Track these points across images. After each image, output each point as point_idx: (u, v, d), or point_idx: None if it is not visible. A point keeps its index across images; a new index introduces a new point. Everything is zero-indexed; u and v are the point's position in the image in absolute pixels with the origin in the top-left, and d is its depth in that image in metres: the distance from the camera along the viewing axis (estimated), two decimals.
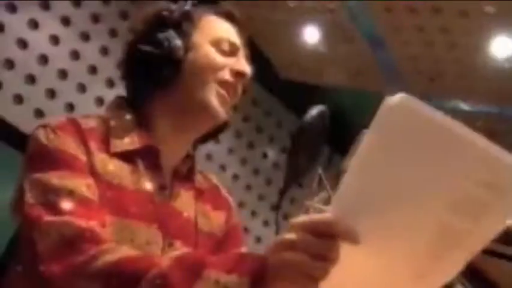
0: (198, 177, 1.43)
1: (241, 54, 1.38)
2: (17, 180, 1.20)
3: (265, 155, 3.91)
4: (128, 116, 1.33)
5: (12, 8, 2.75)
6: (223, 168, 3.61)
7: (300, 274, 0.88)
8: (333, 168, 1.33)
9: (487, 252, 4.07)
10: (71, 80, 2.99)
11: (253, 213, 3.70)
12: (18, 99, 2.81)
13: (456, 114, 2.57)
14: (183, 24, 1.34)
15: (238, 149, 3.78)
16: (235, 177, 3.71)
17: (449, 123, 0.81)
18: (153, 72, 1.31)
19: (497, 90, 2.96)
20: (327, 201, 1.28)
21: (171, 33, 1.32)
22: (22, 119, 2.81)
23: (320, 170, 1.33)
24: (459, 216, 0.84)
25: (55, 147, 1.20)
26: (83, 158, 1.21)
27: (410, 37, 2.90)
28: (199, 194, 1.41)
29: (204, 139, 1.43)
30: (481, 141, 0.80)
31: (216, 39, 1.36)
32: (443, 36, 2.81)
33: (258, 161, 3.88)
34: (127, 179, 1.26)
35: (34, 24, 2.83)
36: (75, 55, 3.00)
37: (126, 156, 1.28)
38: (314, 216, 0.93)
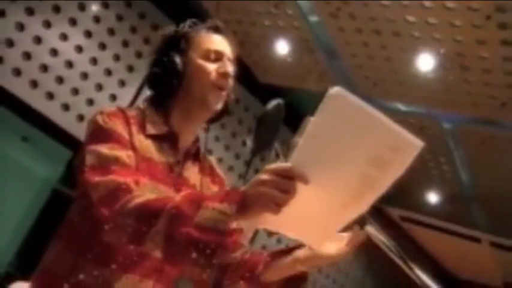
0: (202, 157, 1.63)
1: (226, 58, 1.56)
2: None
3: (244, 143, 4.21)
4: (156, 110, 1.55)
5: (47, 24, 3.17)
6: (210, 152, 3.86)
7: (269, 201, 1.08)
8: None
9: (423, 225, 4.60)
10: (91, 80, 3.37)
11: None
12: (50, 96, 3.20)
13: (393, 112, 3.28)
14: (181, 44, 1.56)
15: (223, 138, 4.09)
16: (220, 160, 4.02)
17: (370, 109, 1.02)
18: (165, 84, 1.54)
19: (424, 94, 3.28)
20: None
21: (173, 54, 1.54)
22: (53, 112, 3.23)
23: (277, 145, 1.43)
24: (373, 168, 1.06)
25: (108, 128, 1.40)
26: (127, 136, 1.42)
27: (357, 51, 3.23)
28: (202, 169, 1.62)
29: (211, 121, 1.62)
30: (388, 122, 1.03)
31: (204, 51, 1.55)
32: (383, 52, 3.14)
33: (238, 148, 4.21)
34: (155, 154, 1.47)
35: (64, 37, 3.24)
36: (94, 61, 3.38)
37: (156, 138, 1.49)
38: (279, 164, 1.12)
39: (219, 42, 1.58)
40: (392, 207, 5.09)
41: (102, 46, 3.43)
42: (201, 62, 1.55)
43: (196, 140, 1.62)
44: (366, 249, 4.68)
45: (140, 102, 1.60)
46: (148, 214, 1.17)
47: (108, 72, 3.47)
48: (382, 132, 1.04)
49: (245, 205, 1.11)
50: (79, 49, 3.34)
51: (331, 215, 1.15)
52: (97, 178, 1.29)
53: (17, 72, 3.10)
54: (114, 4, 3.47)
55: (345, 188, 1.11)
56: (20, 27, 3.10)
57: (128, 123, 1.45)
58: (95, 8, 3.38)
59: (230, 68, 1.55)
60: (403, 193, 4.72)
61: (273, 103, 1.44)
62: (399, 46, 3.08)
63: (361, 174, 1.08)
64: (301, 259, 1.40)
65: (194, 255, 1.11)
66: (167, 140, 1.52)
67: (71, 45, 3.30)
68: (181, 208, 1.14)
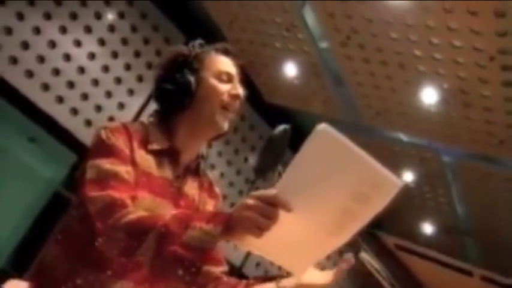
0: (202, 173, 1.65)
1: (236, 80, 1.59)
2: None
3: (246, 160, 4.23)
4: (160, 125, 1.57)
5: (63, 30, 3.25)
6: (213, 167, 3.99)
7: (252, 225, 1.12)
8: None
9: (416, 254, 4.65)
10: (101, 87, 3.44)
11: (233, 204, 4.00)
12: (60, 99, 3.27)
13: (394, 142, 3.33)
14: (194, 64, 1.57)
15: (226, 153, 4.14)
16: (222, 175, 4.08)
17: (354, 147, 1.08)
18: (175, 100, 1.56)
19: (426, 127, 3.32)
20: None
21: (185, 72, 1.55)
22: (61, 116, 3.29)
23: (280, 168, 1.45)
24: (355, 202, 1.11)
25: (110, 144, 1.43)
26: (128, 152, 1.44)
27: (363, 80, 3.29)
28: (201, 184, 1.64)
29: (215, 138, 1.63)
30: (370, 160, 1.08)
31: (216, 72, 1.57)
32: (388, 82, 3.20)
33: (240, 164, 4.26)
34: (156, 169, 1.49)
35: (78, 43, 3.31)
36: (106, 69, 3.45)
37: (157, 153, 1.51)
38: (264, 191, 1.14)
39: (229, 64, 1.61)
40: (388, 235, 5.13)
41: (115, 55, 3.51)
42: (214, 82, 1.57)
43: (198, 156, 1.64)
44: (357, 276, 4.71)
45: (144, 117, 1.62)
46: (139, 230, 1.22)
47: (118, 81, 3.54)
48: (364, 169, 1.10)
49: (230, 227, 1.15)
50: (92, 56, 3.42)
51: (314, 243, 1.19)
52: (95, 193, 1.33)
53: (30, 74, 3.17)
54: (130, 15, 3.55)
55: (327, 219, 1.15)
56: (37, 30, 3.17)
57: (130, 138, 1.47)
58: (110, 17, 3.46)
59: (241, 90, 1.58)
60: (399, 222, 4.78)
61: (280, 128, 1.48)
62: (404, 78, 3.15)
63: (344, 207, 1.12)
64: None
65: (180, 272, 1.16)
66: (168, 155, 1.54)
67: (84, 51, 3.38)
68: (170, 227, 1.19)
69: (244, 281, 1.56)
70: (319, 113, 3.80)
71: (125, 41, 3.55)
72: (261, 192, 1.15)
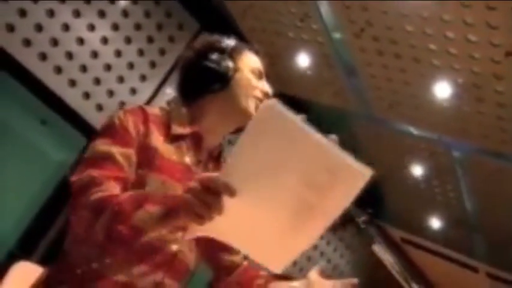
0: (223, 160, 1.64)
1: (264, 78, 1.63)
2: None
3: None
4: (183, 110, 1.58)
5: (77, 13, 3.24)
6: None
7: (190, 211, 1.08)
8: None
9: (423, 248, 4.64)
10: (113, 72, 3.43)
11: None
12: (72, 83, 3.27)
13: (405, 135, 3.32)
14: (233, 53, 1.60)
15: None
16: None
17: (305, 126, 0.97)
18: (208, 82, 1.56)
19: (437, 121, 3.31)
20: None
21: (225, 56, 1.58)
22: (73, 99, 3.29)
23: None
24: (310, 191, 1.00)
25: (118, 124, 1.43)
26: (133, 134, 1.42)
27: (376, 72, 3.27)
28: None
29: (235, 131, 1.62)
30: (328, 143, 0.98)
31: (252, 67, 1.61)
32: (402, 75, 3.18)
33: None
34: (176, 154, 1.49)
35: (91, 27, 3.30)
36: (118, 53, 3.44)
37: (178, 138, 1.51)
38: (206, 174, 1.12)
39: (260, 63, 1.65)
40: (395, 228, 5.13)
41: (128, 40, 3.50)
42: (251, 75, 1.60)
43: (221, 143, 1.65)
44: (369, 273, 4.70)
45: (156, 103, 1.63)
46: (98, 208, 1.23)
47: (131, 66, 3.54)
48: (318, 153, 0.98)
49: (172, 211, 1.13)
50: (105, 40, 3.41)
51: (281, 237, 1.08)
52: (83, 172, 1.34)
53: (43, 56, 3.17)
54: (143, 0, 3.53)
55: (284, 210, 1.05)
56: (51, 13, 3.17)
57: (145, 121, 1.46)
58: (124, 2, 3.45)
59: (270, 89, 1.61)
60: (406, 215, 4.77)
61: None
62: (418, 72, 3.12)
63: (300, 197, 1.02)
64: None
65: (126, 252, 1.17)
66: (191, 140, 1.54)
67: (97, 36, 3.37)
68: (123, 206, 1.20)
69: (263, 274, 1.56)
70: (331, 104, 3.79)
71: (138, 26, 3.54)
72: (204, 174, 1.11)
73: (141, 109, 1.49)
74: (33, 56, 3.13)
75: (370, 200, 4.07)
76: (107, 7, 3.40)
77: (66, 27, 3.24)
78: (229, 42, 1.63)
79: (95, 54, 3.37)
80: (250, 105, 1.56)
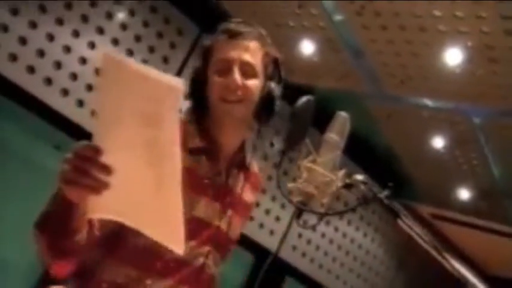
0: (248, 165, 1.62)
1: (236, 64, 1.49)
2: None
3: (272, 144, 4.15)
4: (197, 122, 1.56)
5: (76, 34, 3.24)
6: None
7: (66, 180, 1.05)
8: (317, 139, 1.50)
9: (454, 222, 4.57)
10: None
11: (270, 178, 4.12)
12: (80, 103, 3.27)
13: (422, 108, 3.25)
14: (202, 59, 1.56)
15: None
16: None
17: (135, 65, 0.97)
18: (196, 101, 1.58)
19: (452, 89, 3.25)
20: (313, 161, 1.45)
21: (195, 73, 1.56)
22: (83, 119, 3.27)
23: (308, 142, 1.45)
24: (149, 127, 0.99)
25: None
26: None
27: (383, 48, 3.21)
28: (247, 177, 1.62)
29: (260, 122, 1.58)
30: (149, 71, 0.96)
31: (216, 64, 1.52)
32: (409, 47, 3.11)
33: (267, 148, 4.35)
34: (196, 167, 1.48)
35: (92, 45, 3.29)
36: None
37: (195, 151, 1.50)
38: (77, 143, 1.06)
39: (229, 49, 1.51)
40: (423, 205, 5.06)
41: (130, 52, 3.48)
42: (213, 77, 1.52)
43: (242, 147, 1.60)
44: (397, 248, 4.65)
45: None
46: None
47: None
48: (141, 84, 0.97)
49: (59, 187, 1.10)
50: None
51: (157, 196, 1.05)
52: None
53: (48, 81, 3.17)
54: (140, 11, 3.52)
55: (138, 159, 1.02)
56: (50, 37, 3.17)
57: None
58: (121, 15, 3.43)
59: (236, 76, 1.48)
60: (433, 190, 4.70)
61: (303, 100, 1.47)
62: (425, 41, 3.05)
63: (143, 139, 1.01)
64: None
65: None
66: (208, 152, 1.52)
67: (98, 53, 3.34)
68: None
69: None
70: (342, 88, 3.74)
71: (138, 38, 3.52)
72: (76, 143, 1.05)
73: None
74: (38, 81, 3.13)
75: (394, 179, 4.01)
76: (105, 23, 3.39)
77: (67, 49, 3.23)
78: (204, 44, 1.58)
79: (98, 72, 3.33)
80: (217, 110, 1.52)
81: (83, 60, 3.30)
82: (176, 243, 1.08)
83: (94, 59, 3.32)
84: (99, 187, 1.02)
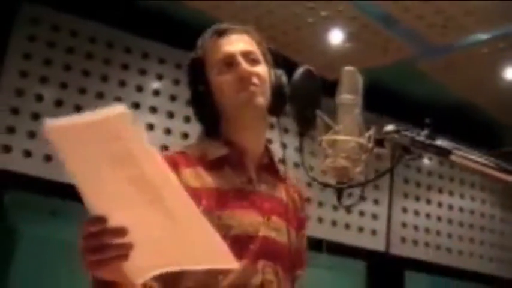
0: (283, 175, 1.51)
1: (238, 56, 1.43)
2: None
3: (285, 146, 4.19)
4: (211, 135, 1.47)
5: None
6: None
7: (92, 265, 1.00)
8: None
9: None
10: None
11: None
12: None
13: (477, 46, 2.97)
14: (197, 69, 1.47)
15: None
16: None
17: (77, 118, 0.91)
18: (203, 115, 1.48)
19: (499, 12, 3.02)
20: (334, 132, 1.28)
21: (195, 84, 1.46)
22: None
23: (321, 114, 1.29)
24: (126, 167, 0.94)
25: None
26: None
27: (409, 4, 3.04)
28: (283, 179, 1.50)
29: (274, 113, 1.47)
30: (96, 115, 0.89)
31: (216, 65, 1.45)
32: None
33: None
34: (221, 181, 1.39)
35: None
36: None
37: (217, 162, 1.41)
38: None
39: (224, 45, 1.46)
40: None
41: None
42: (218, 78, 1.45)
43: (266, 149, 1.51)
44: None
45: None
46: None
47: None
48: (93, 133, 0.91)
49: (91, 276, 1.05)
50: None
51: (176, 233, 1.00)
52: None
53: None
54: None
55: (136, 205, 0.97)
56: None
57: (174, 168, 1.33)
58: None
59: (244, 65, 1.42)
60: None
61: (300, 71, 1.34)
62: None
63: (131, 183, 0.94)
64: None
65: None
66: (231, 160, 1.43)
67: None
68: None
69: None
70: (388, 63, 3.58)
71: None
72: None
73: (168, 157, 1.37)
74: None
75: (484, 131, 3.72)
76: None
77: None
78: (193, 56, 1.50)
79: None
80: (238, 102, 1.42)
81: None
82: (225, 260, 1.02)
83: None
84: (124, 252, 0.98)
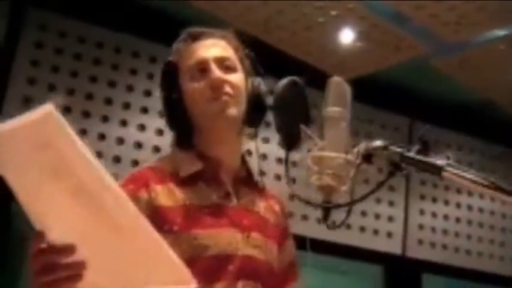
0: (262, 186, 1.47)
1: (211, 62, 1.37)
2: None
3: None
4: (184, 149, 1.42)
5: None
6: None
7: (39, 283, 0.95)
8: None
9: None
10: None
11: None
12: None
13: (494, 42, 2.88)
14: (170, 75, 1.41)
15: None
16: None
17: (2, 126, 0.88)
18: (175, 124, 1.42)
19: (510, 8, 2.91)
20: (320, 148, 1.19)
21: (166, 92, 1.41)
22: None
23: (303, 127, 1.24)
24: (63, 179, 0.90)
25: None
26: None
27: (421, 1, 2.94)
28: (262, 192, 1.46)
29: (252, 124, 1.42)
30: (22, 119, 0.88)
31: (188, 72, 1.39)
32: None
33: None
34: (195, 197, 1.32)
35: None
36: None
37: (190, 179, 1.34)
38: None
39: (197, 50, 1.40)
40: None
41: None
42: (190, 85, 1.38)
43: (243, 161, 1.45)
44: None
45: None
46: None
47: None
48: (21, 137, 0.88)
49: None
50: None
51: (122, 245, 0.95)
52: None
53: None
54: None
55: (79, 218, 0.92)
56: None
57: (144, 185, 1.30)
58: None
59: (217, 73, 1.36)
60: None
61: (283, 82, 1.28)
62: None
63: (69, 194, 0.90)
64: None
65: None
66: (206, 175, 1.36)
67: None
68: None
69: None
70: (401, 60, 3.48)
71: None
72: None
73: (133, 179, 1.34)
74: None
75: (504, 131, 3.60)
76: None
77: None
78: (166, 62, 1.44)
79: None
80: (209, 113, 1.36)
81: None
82: (182, 279, 0.95)
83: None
84: (75, 272, 0.92)
